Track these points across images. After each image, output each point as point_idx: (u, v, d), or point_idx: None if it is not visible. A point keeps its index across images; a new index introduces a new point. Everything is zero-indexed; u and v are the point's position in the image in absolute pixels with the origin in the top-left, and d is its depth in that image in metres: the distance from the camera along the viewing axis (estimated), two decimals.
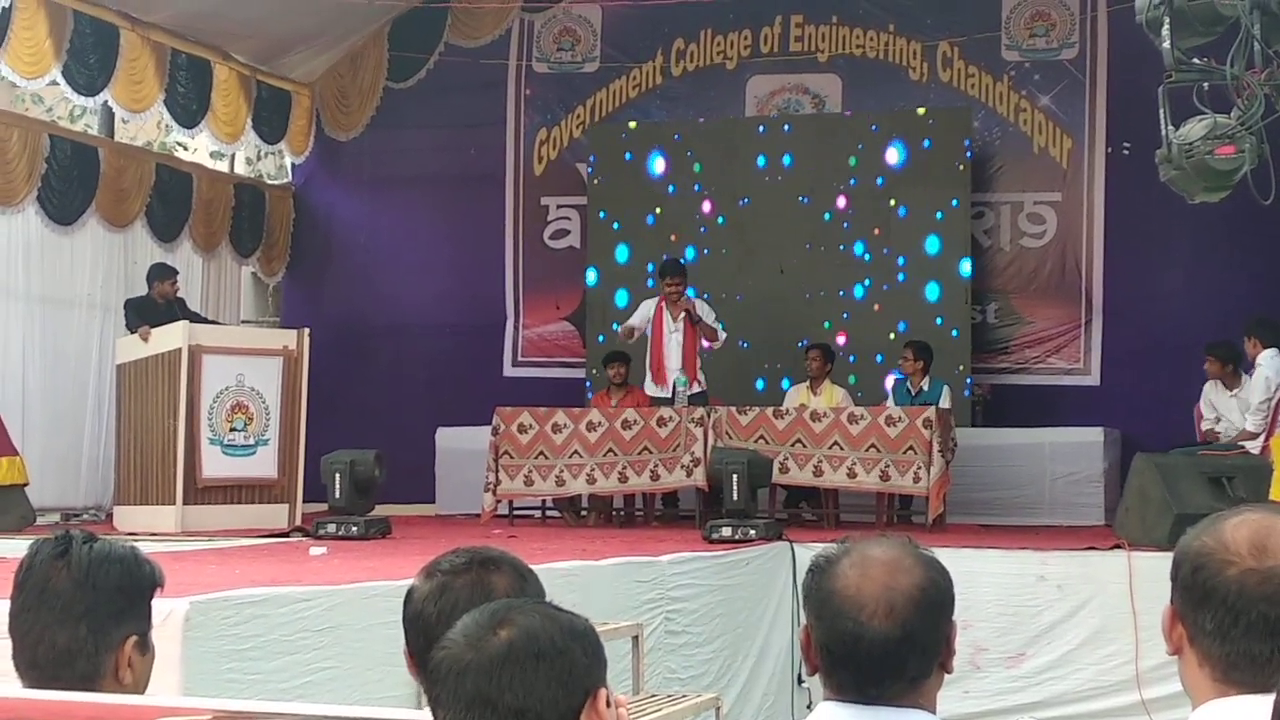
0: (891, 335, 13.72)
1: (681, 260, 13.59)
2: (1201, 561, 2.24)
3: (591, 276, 14.82)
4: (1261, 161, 7.34)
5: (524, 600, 2.15)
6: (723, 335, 12.87)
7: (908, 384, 12.86)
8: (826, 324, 14.05)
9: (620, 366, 13.06)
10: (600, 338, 14.48)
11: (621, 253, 14.70)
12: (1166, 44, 7.11)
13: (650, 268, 14.02)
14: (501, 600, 2.19)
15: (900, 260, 14.06)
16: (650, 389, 12.81)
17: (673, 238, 14.43)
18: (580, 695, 2.02)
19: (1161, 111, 7.44)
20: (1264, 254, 13.14)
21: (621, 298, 14.45)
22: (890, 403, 12.61)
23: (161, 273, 12.78)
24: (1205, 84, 7.35)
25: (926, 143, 14.10)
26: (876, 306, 14.11)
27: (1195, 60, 7.30)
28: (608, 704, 2.04)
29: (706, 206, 14.56)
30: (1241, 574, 2.20)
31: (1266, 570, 2.20)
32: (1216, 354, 11.77)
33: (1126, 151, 13.71)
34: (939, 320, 13.88)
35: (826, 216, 14.25)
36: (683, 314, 12.62)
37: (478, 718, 2.00)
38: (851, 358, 13.90)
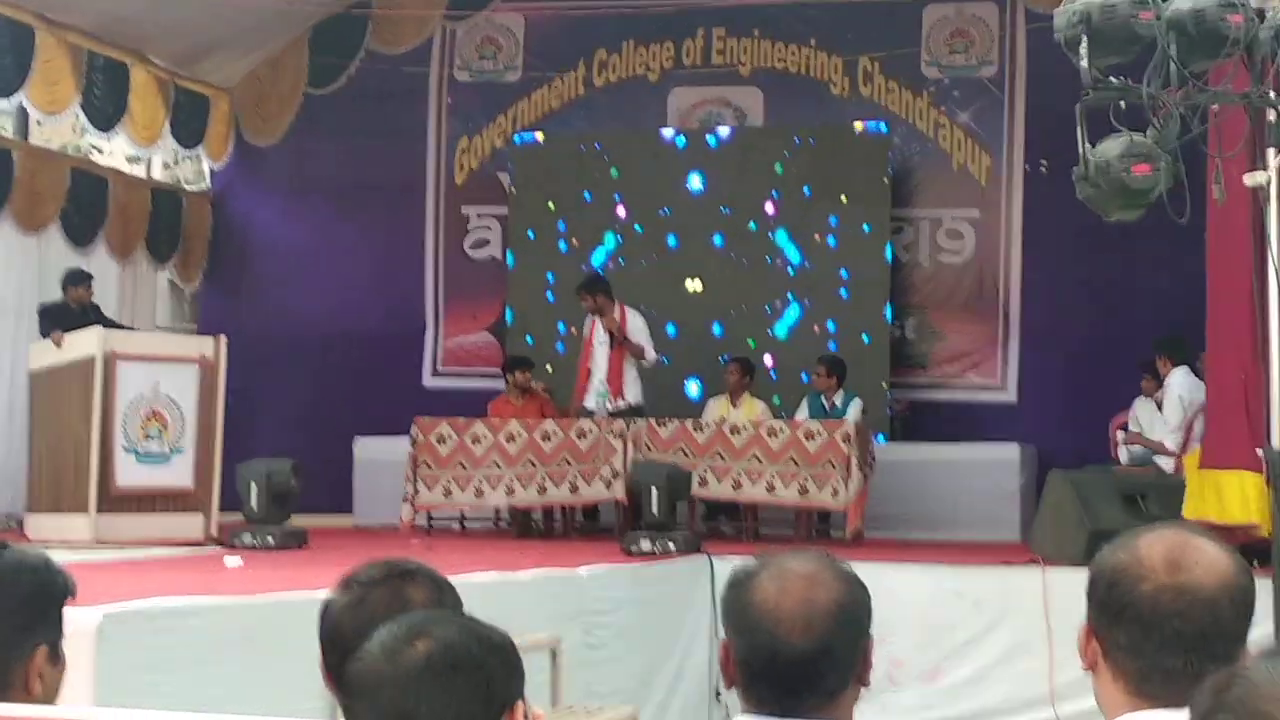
0: (810, 349, 13.75)
1: (600, 273, 13.59)
2: (1116, 578, 2.26)
3: (513, 287, 14.79)
4: (1177, 181, 7.41)
5: (441, 613, 2.14)
6: (652, 355, 12.81)
7: (821, 398, 12.92)
8: (748, 339, 14.07)
9: (522, 372, 13.06)
10: (527, 340, 14.46)
11: (541, 264, 14.67)
12: (1084, 62, 7.17)
13: (560, 279, 13.98)
14: (419, 612, 2.18)
15: (819, 275, 14.13)
16: (584, 402, 12.76)
17: (595, 249, 14.43)
18: (497, 708, 2.02)
19: (1079, 130, 7.50)
20: (1180, 272, 13.23)
21: (541, 309, 14.44)
22: (804, 416, 12.63)
23: (76, 278, 12.65)
24: (1122, 103, 7.41)
25: (846, 158, 14.16)
26: (796, 320, 14.17)
27: (1112, 79, 7.36)
28: (525, 717, 2.03)
29: (626, 219, 14.56)
30: (1156, 590, 2.23)
31: (1180, 586, 2.22)
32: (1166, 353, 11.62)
33: (1044, 169, 13.83)
34: (859, 335, 13.95)
35: (747, 230, 14.30)
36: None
37: None
38: (773, 374, 13.94)
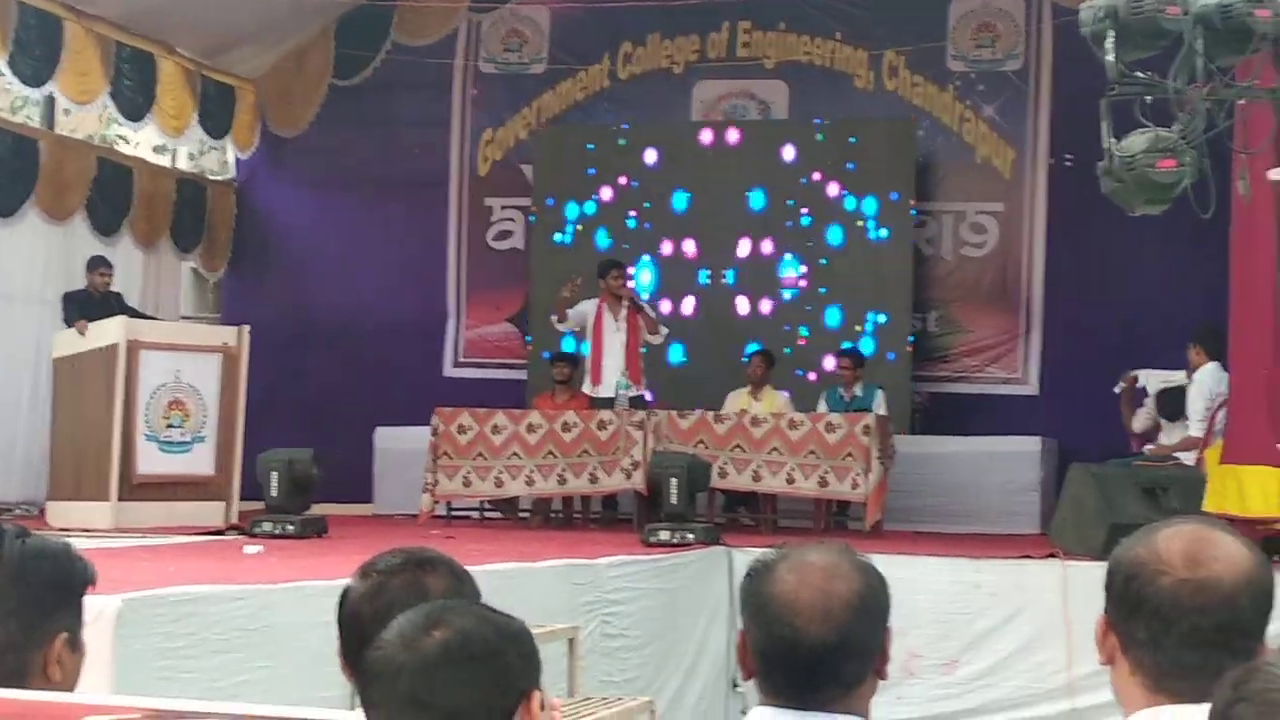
0: (832, 342, 13.74)
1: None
2: (1135, 571, 2.26)
3: (535, 278, 14.81)
4: (1202, 175, 7.40)
5: (459, 602, 2.15)
6: (664, 330, 12.90)
7: (840, 390, 12.91)
8: (771, 332, 14.06)
9: (565, 366, 13.04)
10: (545, 354, 14.46)
11: (563, 255, 14.68)
12: (1110, 57, 7.16)
13: (582, 270, 13.97)
14: (436, 601, 2.18)
15: (842, 268, 14.10)
16: (588, 389, 12.81)
17: (616, 241, 14.42)
18: (514, 697, 2.02)
19: (1103, 124, 7.49)
20: (1203, 268, 13.21)
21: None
22: (824, 410, 12.63)
23: (92, 263, 12.72)
24: (1148, 98, 7.40)
25: (871, 151, 14.15)
26: (818, 313, 14.15)
27: (1138, 74, 7.36)
28: (541, 706, 2.03)
29: (649, 211, 14.56)
30: (1174, 584, 2.22)
31: (1199, 581, 2.22)
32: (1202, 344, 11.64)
33: (1069, 163, 13.78)
34: (881, 328, 13.93)
35: (770, 222, 14.28)
36: (624, 311, 12.62)
37: (412, 719, 1.99)
38: (798, 370, 13.93)
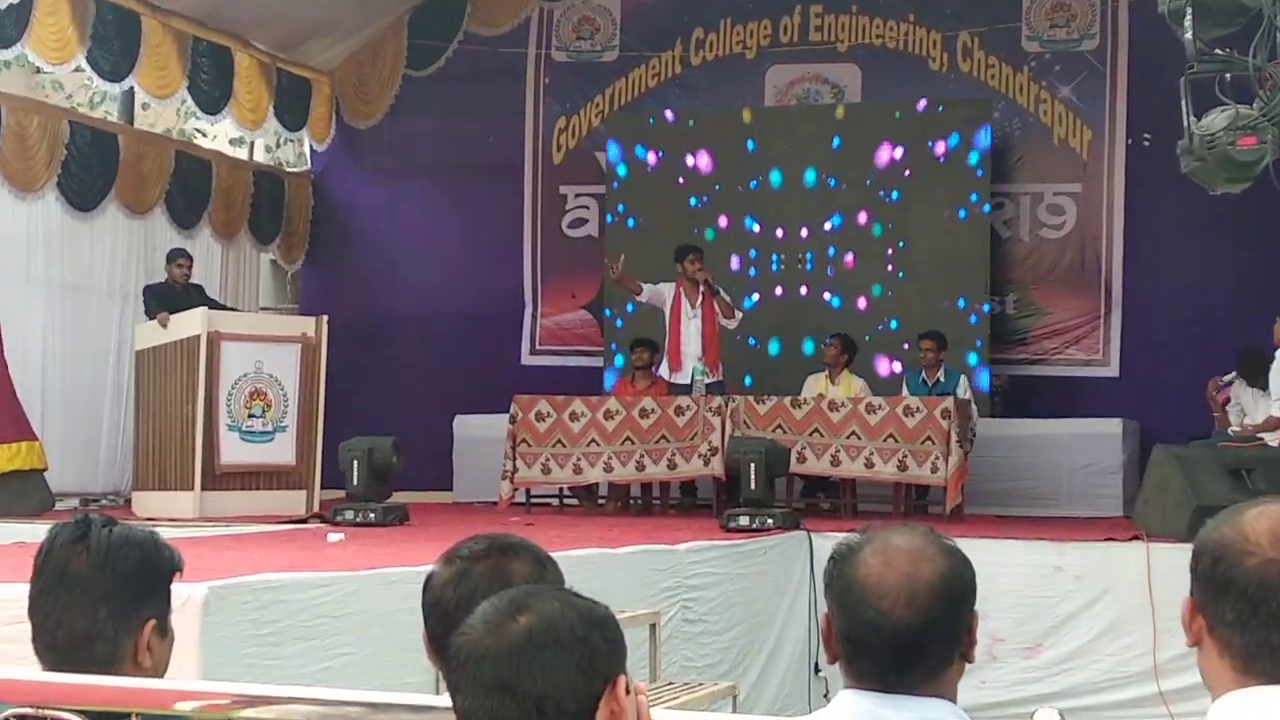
0: (911, 327, 13.67)
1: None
2: (1221, 552, 2.24)
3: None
4: None
5: (543, 587, 2.15)
6: (739, 315, 12.87)
7: (923, 375, 12.84)
8: (849, 316, 14.01)
9: (644, 351, 13.01)
10: (619, 322, 14.49)
11: (639, 242, 14.67)
12: (1189, 35, 7.09)
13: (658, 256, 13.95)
14: (521, 586, 2.19)
15: (920, 251, 14.03)
16: (666, 374, 12.81)
17: (691, 227, 14.40)
18: (600, 682, 2.02)
19: (1183, 102, 7.42)
20: None
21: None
22: (905, 393, 12.59)
23: (172, 255, 12.85)
24: (1227, 75, 7.32)
25: (946, 134, 14.07)
26: (896, 297, 14.09)
27: (1217, 51, 7.28)
28: (627, 691, 2.04)
29: (724, 197, 14.54)
30: (1261, 564, 2.20)
31: None
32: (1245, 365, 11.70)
33: (1147, 143, 13.67)
34: (960, 311, 13.85)
35: (847, 206, 14.23)
36: (701, 298, 12.59)
37: (497, 704, 2.00)
38: (877, 356, 13.87)
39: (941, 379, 12.70)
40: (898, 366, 13.72)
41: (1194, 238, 13.62)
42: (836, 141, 14.32)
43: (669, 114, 15.01)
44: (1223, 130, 7.16)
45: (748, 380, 13.76)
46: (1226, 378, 12.10)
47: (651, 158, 14.83)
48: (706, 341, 12.61)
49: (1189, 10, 7.09)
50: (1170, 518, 9.47)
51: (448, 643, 2.09)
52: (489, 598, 2.13)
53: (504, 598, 2.10)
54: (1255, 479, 9.50)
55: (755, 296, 14.13)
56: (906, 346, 13.56)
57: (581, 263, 15.32)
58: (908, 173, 14.12)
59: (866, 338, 13.67)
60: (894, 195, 14.14)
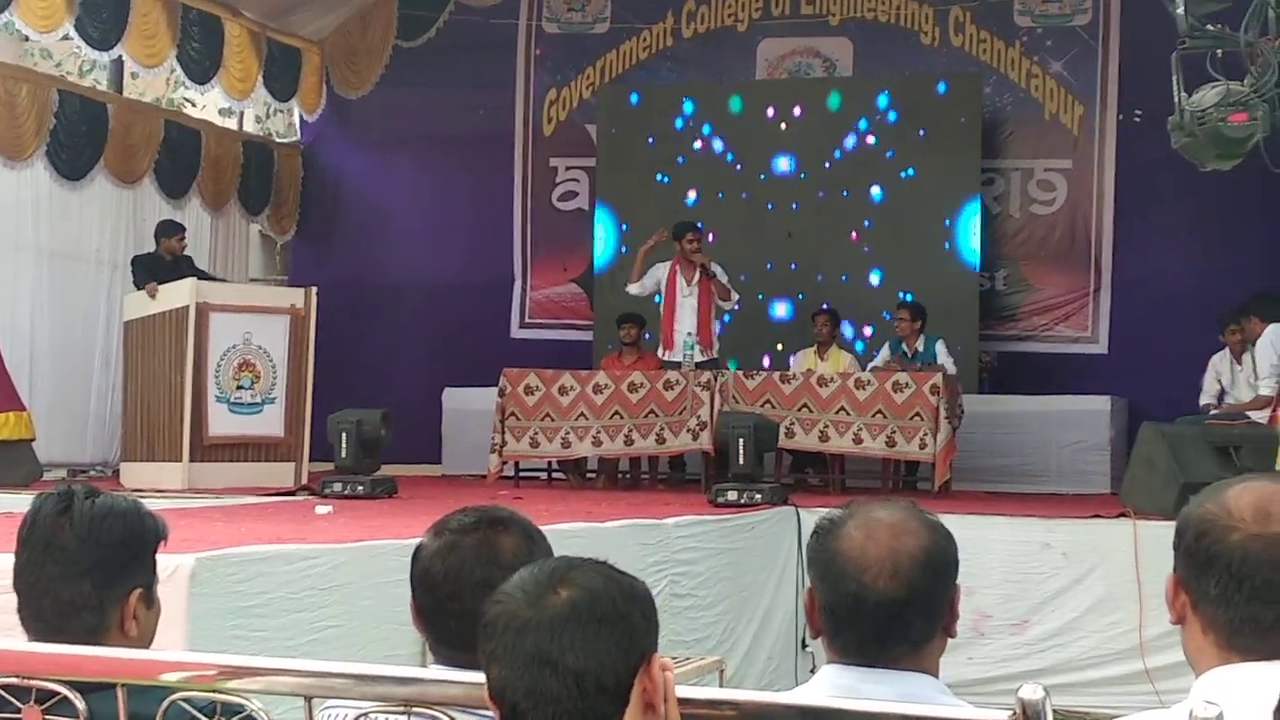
0: (897, 301, 13.66)
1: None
2: (1205, 528, 2.24)
3: (599, 239, 14.80)
4: (1274, 129, 7.32)
5: (581, 559, 2.11)
6: (736, 297, 12.85)
7: (903, 344, 12.83)
8: (836, 291, 14.01)
9: (632, 327, 13.01)
10: (613, 322, 14.48)
11: (628, 215, 14.66)
12: (1180, 10, 7.08)
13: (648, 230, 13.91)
14: (560, 558, 2.15)
15: (909, 226, 14.02)
16: (659, 353, 12.79)
17: (683, 201, 14.39)
18: (637, 658, 2.01)
19: (1174, 78, 7.42)
20: (1275, 222, 13.10)
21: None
22: (885, 354, 12.60)
23: (169, 229, 12.78)
24: (1219, 51, 7.32)
25: (937, 108, 14.06)
26: (885, 272, 14.09)
27: (1209, 27, 7.27)
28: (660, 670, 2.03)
29: (715, 170, 14.52)
30: (1245, 539, 2.20)
31: (1270, 535, 2.19)
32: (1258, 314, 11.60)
33: (1138, 119, 13.65)
34: (949, 286, 13.83)
35: (837, 180, 14.22)
36: (697, 277, 12.56)
37: (537, 676, 1.98)
38: (868, 328, 13.88)
39: (920, 348, 12.66)
40: (882, 335, 13.71)
41: (1184, 214, 13.63)
42: (827, 114, 14.30)
43: (660, 86, 14.98)
44: (1214, 106, 7.16)
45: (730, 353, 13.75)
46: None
47: (642, 131, 14.78)
48: (701, 320, 12.58)
49: None
50: (1157, 495, 9.48)
51: (435, 613, 2.08)
52: (526, 567, 2.10)
53: (544, 568, 2.08)
54: (1242, 457, 9.51)
55: (743, 270, 14.12)
56: (887, 316, 13.53)
57: (571, 236, 15.30)
58: (898, 148, 14.10)
59: (853, 309, 13.68)
60: (885, 171, 14.12)
